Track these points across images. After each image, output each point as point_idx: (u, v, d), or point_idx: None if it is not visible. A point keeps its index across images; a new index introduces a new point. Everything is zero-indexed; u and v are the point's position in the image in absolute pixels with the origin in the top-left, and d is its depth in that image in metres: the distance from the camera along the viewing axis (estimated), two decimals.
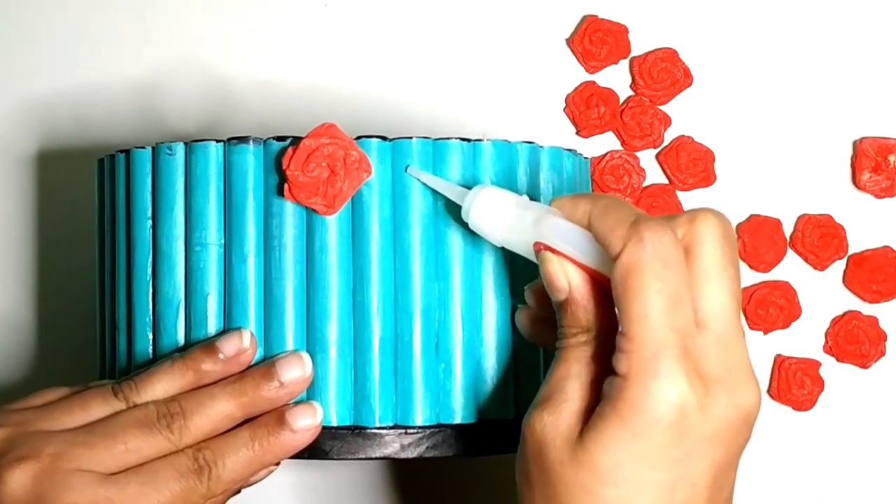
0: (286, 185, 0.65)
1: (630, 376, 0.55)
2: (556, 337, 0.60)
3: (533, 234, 0.60)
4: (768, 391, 0.87)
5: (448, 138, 0.67)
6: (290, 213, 0.66)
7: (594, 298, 0.59)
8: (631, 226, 0.56)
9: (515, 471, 0.60)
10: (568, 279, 0.59)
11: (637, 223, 0.56)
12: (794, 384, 0.86)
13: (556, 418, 0.57)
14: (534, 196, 0.68)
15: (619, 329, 0.56)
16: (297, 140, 0.65)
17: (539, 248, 0.60)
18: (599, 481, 0.56)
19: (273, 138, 0.66)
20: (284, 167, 0.64)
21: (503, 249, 0.65)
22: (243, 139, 0.66)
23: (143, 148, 0.69)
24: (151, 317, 0.68)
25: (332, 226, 0.65)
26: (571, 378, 0.58)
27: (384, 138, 0.66)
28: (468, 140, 0.67)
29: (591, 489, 0.56)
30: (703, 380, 0.56)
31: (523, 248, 0.61)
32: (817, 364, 0.87)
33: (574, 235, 0.59)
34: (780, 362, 0.87)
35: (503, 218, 0.62)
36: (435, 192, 0.66)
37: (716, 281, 0.57)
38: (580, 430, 0.57)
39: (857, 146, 0.88)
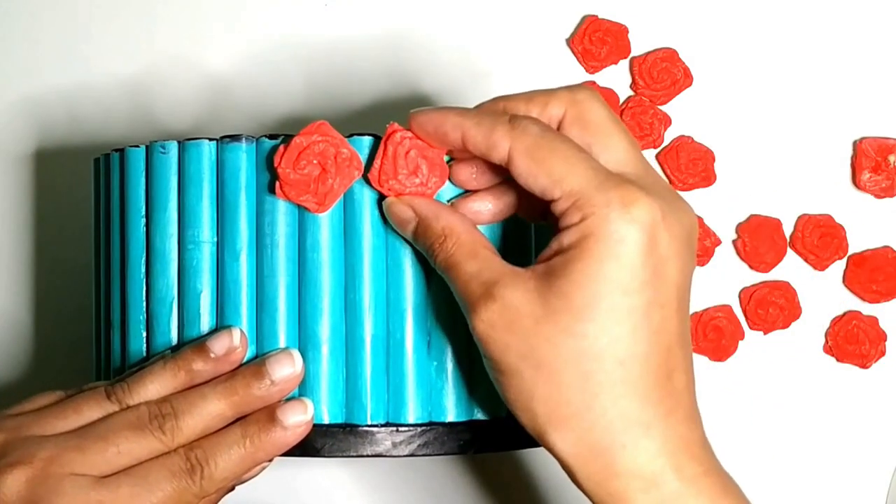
0: (277, 183, 0.65)
1: (587, 216, 0.58)
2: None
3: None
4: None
5: None
6: (282, 211, 0.66)
7: (439, 209, 0.63)
8: (510, 119, 0.61)
9: (496, 378, 0.61)
10: (411, 207, 0.64)
11: (515, 117, 0.61)
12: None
13: (504, 300, 0.59)
14: None
15: (552, 199, 0.59)
16: (288, 138, 0.65)
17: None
18: (579, 319, 0.58)
19: (265, 136, 0.66)
20: (276, 165, 0.64)
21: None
22: (236, 137, 0.67)
23: (137, 146, 0.69)
24: (145, 315, 0.69)
25: (325, 223, 0.65)
26: (480, 271, 0.61)
27: (376, 136, 0.66)
28: None
29: (574, 329, 0.58)
30: (654, 197, 0.59)
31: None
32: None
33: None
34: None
35: None
36: None
37: (613, 133, 0.62)
38: (535, 285, 0.59)
39: (857, 146, 0.88)
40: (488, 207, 0.65)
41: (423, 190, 0.64)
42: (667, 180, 0.87)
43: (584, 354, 0.58)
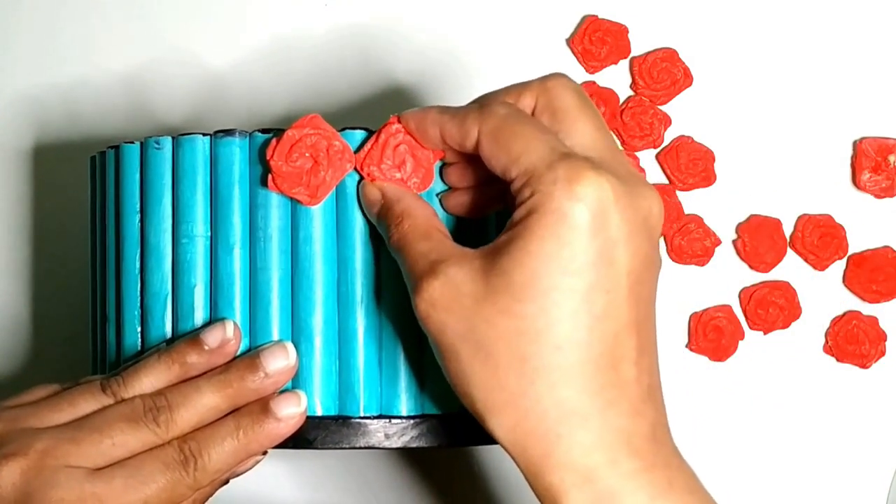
0: (270, 176, 0.65)
1: (536, 194, 0.57)
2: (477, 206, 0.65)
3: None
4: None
5: None
6: (275, 205, 0.66)
7: (404, 194, 0.64)
8: (480, 106, 0.61)
9: (438, 360, 0.60)
10: (380, 189, 0.64)
11: (485, 102, 0.61)
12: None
13: (446, 277, 0.59)
14: None
15: (509, 178, 0.59)
16: (281, 132, 0.66)
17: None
18: (518, 299, 0.56)
19: (258, 131, 0.67)
20: (268, 157, 0.65)
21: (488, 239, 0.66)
22: (229, 132, 0.67)
23: (131, 143, 0.70)
24: (140, 309, 0.69)
25: (317, 216, 0.66)
26: (430, 251, 0.60)
27: (369, 130, 0.66)
28: None
29: (512, 310, 0.57)
30: (606, 177, 0.57)
31: None
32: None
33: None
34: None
35: None
36: None
37: (579, 118, 0.60)
38: (480, 264, 0.58)
39: (857, 146, 0.87)
40: (473, 201, 0.65)
41: (400, 185, 0.64)
42: (666, 179, 0.87)
43: (522, 336, 0.57)
